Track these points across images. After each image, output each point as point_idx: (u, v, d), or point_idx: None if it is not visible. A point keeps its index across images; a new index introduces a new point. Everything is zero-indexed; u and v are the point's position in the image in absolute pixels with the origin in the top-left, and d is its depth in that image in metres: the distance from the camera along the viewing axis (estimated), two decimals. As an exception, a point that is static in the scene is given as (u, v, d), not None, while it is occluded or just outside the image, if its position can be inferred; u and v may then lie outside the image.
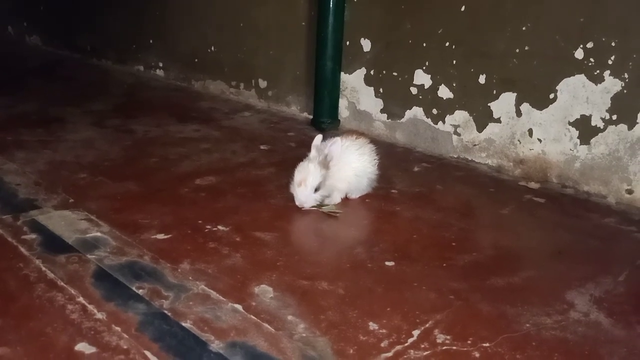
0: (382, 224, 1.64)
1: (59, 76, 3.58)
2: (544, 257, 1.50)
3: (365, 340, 1.08)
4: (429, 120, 2.27)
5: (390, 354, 1.04)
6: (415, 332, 1.11)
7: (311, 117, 2.63)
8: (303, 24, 2.62)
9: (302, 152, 1.76)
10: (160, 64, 3.49)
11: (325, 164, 1.64)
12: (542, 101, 1.95)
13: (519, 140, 2.03)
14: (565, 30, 1.86)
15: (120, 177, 1.85)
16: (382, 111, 2.41)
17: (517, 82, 1.99)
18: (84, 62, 3.97)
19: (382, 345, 1.07)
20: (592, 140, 1.86)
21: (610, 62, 1.78)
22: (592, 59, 1.82)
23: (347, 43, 2.45)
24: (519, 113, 2.01)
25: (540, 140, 1.98)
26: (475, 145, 2.15)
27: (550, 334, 1.14)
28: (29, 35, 4.66)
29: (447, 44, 2.15)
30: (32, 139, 2.22)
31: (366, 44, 2.40)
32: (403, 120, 2.35)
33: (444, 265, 1.40)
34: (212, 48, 3.11)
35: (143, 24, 3.51)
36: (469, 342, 1.09)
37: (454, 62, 2.14)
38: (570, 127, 1.90)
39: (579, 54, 1.84)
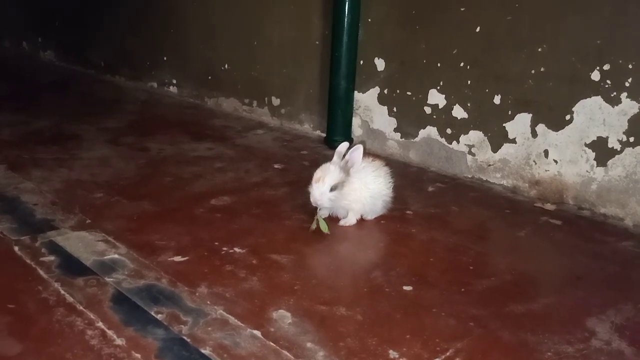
0: (398, 247, 1.63)
1: (72, 92, 3.61)
2: (563, 282, 1.49)
3: (385, 370, 1.07)
4: (443, 140, 2.27)
5: (411, 384, 1.03)
6: (436, 361, 1.10)
7: (324, 135, 2.63)
8: (317, 42, 2.63)
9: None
10: (174, 81, 3.51)
11: (345, 169, 1.65)
12: (558, 122, 1.94)
13: (534, 161, 2.02)
14: (582, 52, 1.85)
15: (136, 197, 1.86)
16: (395, 130, 2.41)
17: (533, 103, 1.99)
18: (98, 78, 4.01)
19: (403, 374, 1.06)
20: (609, 162, 1.85)
21: (627, 84, 1.77)
22: (608, 81, 1.81)
23: (361, 62, 2.46)
24: (534, 134, 2.00)
25: (556, 162, 1.97)
26: (490, 165, 2.14)
27: (572, 364, 1.12)
28: (44, 51, 4.71)
29: (462, 64, 2.15)
30: (48, 157, 2.23)
31: (380, 64, 2.40)
32: (417, 139, 2.35)
33: (462, 290, 1.39)
34: (226, 66, 3.13)
35: (157, 40, 3.54)
36: (490, 372, 1.08)
37: (469, 82, 2.14)
38: (586, 148, 1.89)
39: (595, 75, 1.84)
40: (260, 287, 1.34)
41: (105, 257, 1.43)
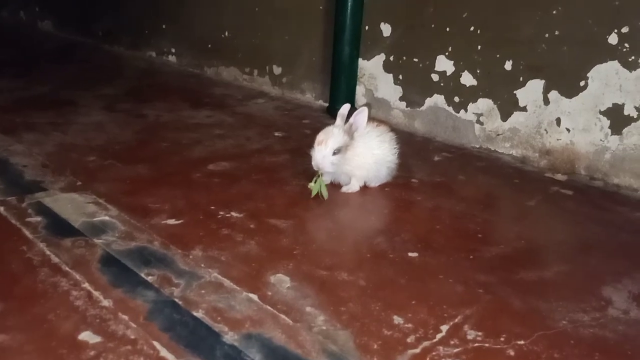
0: (402, 214, 1.56)
1: (70, 60, 3.52)
2: (575, 250, 1.42)
3: (389, 335, 1.00)
4: (450, 109, 2.18)
5: (417, 351, 0.97)
6: (444, 328, 1.04)
7: (326, 104, 2.55)
8: (321, 8, 2.54)
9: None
10: (173, 50, 3.42)
11: (350, 132, 1.57)
12: (571, 89, 1.86)
13: (545, 130, 1.94)
14: (599, 14, 1.76)
15: (130, 161, 1.79)
16: (400, 99, 2.33)
17: (546, 68, 1.90)
18: (96, 47, 3.91)
19: (409, 340, 0.99)
20: (624, 131, 1.77)
21: (646, 47, 1.68)
22: (627, 45, 1.72)
23: (366, 28, 2.36)
24: (546, 101, 1.92)
25: (568, 130, 1.89)
26: (498, 134, 2.06)
27: (588, 332, 1.06)
28: (41, 21, 4.61)
29: (472, 28, 2.06)
30: (42, 121, 2.15)
31: (386, 29, 2.31)
32: (423, 108, 2.26)
33: (471, 257, 1.32)
34: (226, 33, 3.04)
35: (156, 9, 3.44)
36: (502, 339, 1.02)
37: (479, 47, 2.05)
38: (601, 116, 1.81)
39: (612, 39, 1.75)
40: (258, 250, 1.28)
41: (95, 219, 1.36)
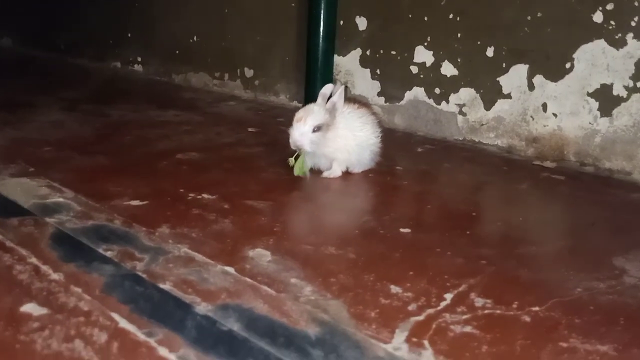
0: (389, 196, 1.44)
1: (30, 72, 3.35)
2: (576, 228, 1.32)
3: (387, 304, 0.87)
4: (430, 101, 2.09)
5: (421, 318, 0.84)
6: (448, 296, 0.91)
7: (301, 105, 2.43)
8: (293, 5, 2.45)
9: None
10: (139, 59, 3.28)
11: (331, 111, 1.46)
12: (557, 72, 1.79)
13: (531, 117, 1.86)
14: (583, -7, 1.71)
15: (90, 152, 1.64)
16: (379, 94, 2.24)
17: (529, 52, 1.83)
18: (58, 60, 3.75)
19: (410, 308, 0.86)
20: (614, 112, 1.70)
21: (633, 23, 1.63)
22: (612, 22, 1.66)
23: (341, 22, 2.28)
24: (531, 87, 1.84)
25: (555, 115, 1.81)
26: (482, 125, 1.98)
27: (607, 299, 0.94)
28: (0, 38, 4.43)
29: (451, 15, 1.99)
30: (-7, 118, 1.99)
31: (362, 22, 2.23)
32: (402, 102, 2.17)
33: (467, 233, 1.21)
34: (195, 38, 2.92)
35: (121, 17, 3.32)
36: (514, 306, 0.89)
37: (459, 35, 1.98)
38: (589, 98, 1.74)
39: (597, 17, 1.69)
40: (234, 228, 1.14)
41: (48, 200, 1.21)
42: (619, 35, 1.65)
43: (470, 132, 2.01)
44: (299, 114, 1.45)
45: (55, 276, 0.88)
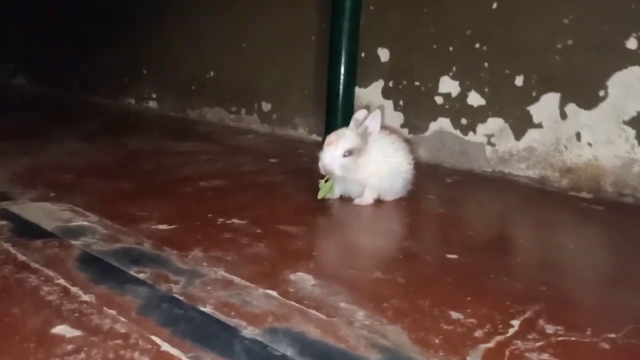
0: (427, 223, 1.37)
1: (45, 109, 3.32)
2: (630, 253, 1.24)
3: (451, 330, 0.79)
4: (457, 132, 2.04)
5: (491, 345, 0.75)
6: (515, 322, 0.83)
7: (321, 139, 2.38)
8: (313, 38, 2.43)
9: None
10: (154, 95, 3.26)
11: (363, 136, 1.40)
12: (590, 100, 1.74)
13: (565, 146, 1.80)
14: (614, 19, 1.67)
15: (111, 178, 1.58)
16: (402, 126, 2.19)
17: (560, 80, 1.79)
18: (73, 98, 3.73)
19: (476, 335, 0.78)
20: (653, 140, 1.64)
21: (671, 49, 1.59)
22: (648, 48, 1.62)
23: (362, 54, 2.25)
24: (563, 115, 1.79)
25: (590, 145, 1.75)
26: (512, 155, 1.92)
27: (687, 326, 0.86)
28: (14, 77, 4.44)
29: (477, 45, 1.95)
30: (10, 147, 1.94)
31: (384, 54, 2.20)
32: (427, 134, 2.12)
33: (518, 259, 1.13)
34: (211, 73, 2.91)
35: (137, 54, 3.32)
36: (588, 332, 0.81)
37: (485, 64, 1.94)
38: (625, 126, 1.68)
39: (631, 43, 1.65)
40: (270, 252, 1.06)
41: (72, 224, 1.14)
42: (656, 61, 1.61)
43: (499, 163, 1.95)
44: (330, 138, 1.40)
45: (86, 297, 0.81)
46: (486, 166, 1.98)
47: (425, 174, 1.93)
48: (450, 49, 2.03)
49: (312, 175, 1.39)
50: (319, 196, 1.41)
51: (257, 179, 1.69)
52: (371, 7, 2.21)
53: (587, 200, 1.68)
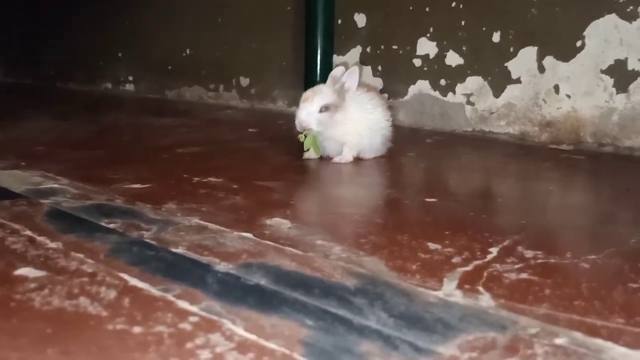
0: (407, 175, 1.36)
1: (19, 96, 3.26)
2: (612, 193, 1.24)
3: (428, 258, 0.78)
4: (436, 94, 2.03)
5: (469, 268, 0.74)
6: (493, 250, 0.82)
7: (301, 110, 2.36)
8: (288, 8, 2.40)
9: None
10: (130, 78, 3.22)
11: (340, 92, 1.38)
12: (568, 51, 1.73)
13: (544, 100, 1.80)
14: (590, -32, 1.66)
15: (85, 148, 1.55)
16: (382, 91, 2.16)
17: (538, 34, 1.78)
18: (48, 86, 3.67)
19: (454, 261, 0.77)
20: (631, 87, 1.64)
21: (645, -6, 1.58)
22: (623, -5, 1.61)
23: (339, 21, 2.23)
24: (541, 69, 1.78)
25: (569, 97, 1.75)
26: (492, 113, 1.91)
27: (667, 248, 0.85)
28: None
29: (454, 4, 1.94)
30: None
31: (360, 19, 2.18)
32: (407, 97, 2.10)
33: (499, 200, 1.12)
34: (187, 51, 2.87)
35: (111, 37, 3.26)
36: (568, 255, 0.80)
37: (463, 22, 1.93)
38: (603, 75, 1.68)
39: (607, -8, 1.64)
40: (246, 202, 1.04)
41: (42, 186, 1.11)
42: (631, 7, 1.60)
43: (479, 122, 1.94)
44: (306, 94, 1.38)
45: (52, 245, 0.78)
46: (466, 126, 1.97)
47: (406, 137, 1.92)
48: (427, 9, 2.01)
49: (291, 142, 1.37)
50: (305, 147, 1.39)
51: (237, 146, 1.66)
52: (345, -28, 2.17)
53: (568, 152, 1.68)
